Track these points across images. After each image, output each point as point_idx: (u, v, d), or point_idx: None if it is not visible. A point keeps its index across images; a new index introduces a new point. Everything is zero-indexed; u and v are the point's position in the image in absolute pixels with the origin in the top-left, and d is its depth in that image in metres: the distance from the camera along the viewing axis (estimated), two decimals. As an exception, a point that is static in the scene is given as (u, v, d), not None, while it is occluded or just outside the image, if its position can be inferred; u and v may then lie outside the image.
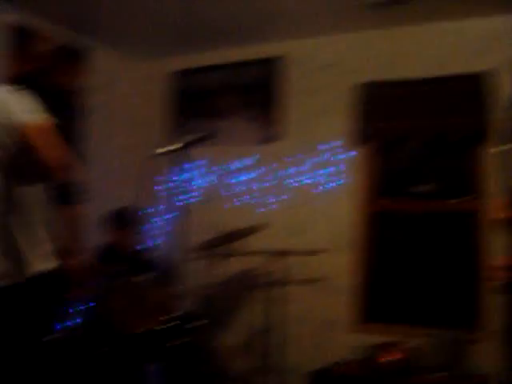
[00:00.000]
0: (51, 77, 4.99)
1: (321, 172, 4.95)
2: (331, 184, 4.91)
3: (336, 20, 4.74)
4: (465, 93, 4.46)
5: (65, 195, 2.39)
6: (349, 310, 4.79)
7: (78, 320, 4.02)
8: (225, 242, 4.55)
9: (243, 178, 5.23)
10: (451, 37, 4.63)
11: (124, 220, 4.68)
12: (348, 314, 4.79)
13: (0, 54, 4.61)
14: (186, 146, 2.56)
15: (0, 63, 4.60)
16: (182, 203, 2.33)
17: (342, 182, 4.88)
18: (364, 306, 4.80)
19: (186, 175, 5.23)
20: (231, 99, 5.42)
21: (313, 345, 4.84)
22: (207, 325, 4.34)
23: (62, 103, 5.12)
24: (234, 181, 5.28)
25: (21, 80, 4.47)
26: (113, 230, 4.64)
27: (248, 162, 5.24)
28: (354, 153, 4.87)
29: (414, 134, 4.61)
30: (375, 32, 4.86)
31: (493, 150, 4.20)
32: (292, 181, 5.05)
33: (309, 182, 4.99)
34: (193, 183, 5.37)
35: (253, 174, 5.20)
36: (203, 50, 5.47)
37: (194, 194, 5.37)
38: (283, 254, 4.52)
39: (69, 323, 4.12)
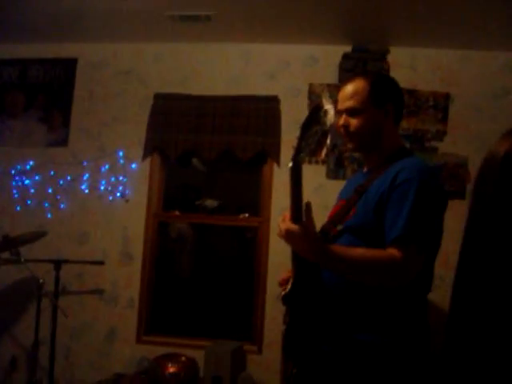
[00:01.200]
0: None
1: (106, 181, 4.80)
2: (117, 194, 4.78)
3: (135, 28, 4.66)
4: (255, 113, 4.63)
5: None
6: (131, 322, 4.70)
7: None
8: (0, 250, 4.25)
9: (26, 181, 4.91)
10: (245, 58, 4.81)
11: None
12: (130, 325, 4.69)
13: None
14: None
15: None
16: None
17: (127, 192, 4.78)
18: (146, 317, 4.75)
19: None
20: (19, 97, 5.08)
21: (93, 357, 4.69)
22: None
23: None
24: (14, 184, 4.92)
25: None
26: None
27: (30, 165, 4.92)
28: (142, 163, 4.79)
29: (203, 149, 4.65)
30: (173, 44, 4.87)
31: (281, 168, 4.42)
32: (76, 188, 4.83)
33: (93, 190, 4.81)
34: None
35: (36, 179, 4.90)
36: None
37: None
38: (63, 263, 4.33)
39: None
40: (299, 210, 2.04)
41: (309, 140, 2.04)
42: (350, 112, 2.28)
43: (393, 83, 2.39)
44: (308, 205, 2.04)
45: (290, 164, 2.04)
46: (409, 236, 2.01)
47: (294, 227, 2.02)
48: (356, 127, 2.28)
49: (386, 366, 2.05)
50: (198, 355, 4.35)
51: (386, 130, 2.28)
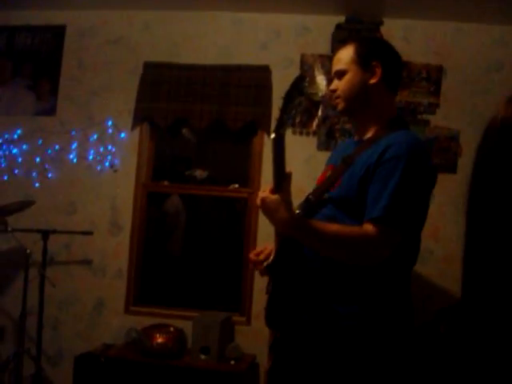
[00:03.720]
0: None
1: (95, 150, 4.74)
2: (105, 163, 4.73)
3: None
4: (246, 83, 4.58)
5: None
6: (120, 293, 4.69)
7: None
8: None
9: (13, 150, 4.85)
10: (236, 27, 4.73)
11: None
12: (119, 296, 4.68)
13: None
14: None
15: None
16: None
17: (116, 161, 4.72)
18: (135, 288, 4.74)
19: None
20: (6, 65, 4.99)
21: (82, 328, 4.68)
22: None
23: None
24: (1, 153, 4.85)
25: None
26: None
27: (19, 134, 4.85)
28: (131, 133, 4.73)
29: (193, 118, 4.61)
30: (164, 13, 4.78)
31: (266, 139, 4.39)
32: (64, 158, 4.77)
33: (82, 160, 4.75)
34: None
35: (23, 148, 4.83)
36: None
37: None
38: (51, 233, 4.31)
39: None
40: (280, 181, 2.02)
41: (292, 111, 2.01)
42: (337, 75, 2.26)
43: (382, 44, 2.35)
44: (288, 176, 2.02)
45: (273, 135, 2.01)
46: (388, 218, 2.00)
47: (269, 197, 2.00)
48: (341, 88, 2.25)
49: (364, 338, 2.05)
50: (186, 326, 4.35)
51: (376, 93, 2.23)
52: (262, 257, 2.27)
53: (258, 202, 2.06)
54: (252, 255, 2.33)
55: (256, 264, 2.30)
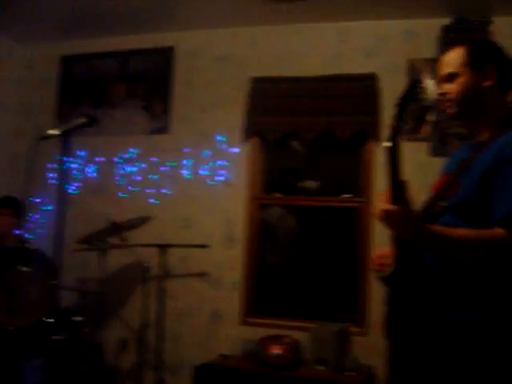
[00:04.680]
0: None
1: (208, 166, 4.89)
2: (219, 178, 4.86)
3: (229, 13, 4.71)
4: (353, 92, 4.57)
5: None
6: (235, 304, 4.77)
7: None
8: (109, 235, 4.43)
9: (129, 169, 5.08)
10: (340, 37, 4.74)
11: (3, 204, 4.43)
12: (234, 307, 4.77)
13: None
14: (67, 132, 2.41)
15: None
16: (65, 193, 2.21)
17: (229, 176, 4.84)
18: (250, 299, 4.80)
19: (71, 164, 5.03)
20: (120, 88, 5.25)
21: (200, 339, 4.80)
22: (88, 320, 4.18)
23: None
24: (120, 172, 5.11)
25: None
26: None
27: (135, 152, 5.09)
28: (242, 147, 4.84)
29: (302, 130, 4.64)
30: (268, 28, 4.88)
31: (379, 148, 4.33)
32: (179, 174, 4.95)
33: (196, 175, 4.91)
34: (78, 173, 5.16)
35: (139, 166, 5.05)
36: (95, 36, 5.27)
37: (78, 184, 5.16)
38: (168, 247, 4.45)
39: None
40: (397, 190, 1.99)
41: (406, 118, 1.98)
42: (447, 78, 2.21)
43: (494, 46, 2.28)
44: (404, 184, 1.99)
45: (387, 144, 1.98)
46: None
47: (392, 209, 1.97)
48: (453, 92, 2.18)
49: (482, 347, 1.99)
50: (302, 337, 4.37)
51: (489, 95, 2.17)
52: (384, 261, 2.24)
53: (379, 214, 2.04)
54: (376, 257, 2.31)
55: (377, 267, 2.28)
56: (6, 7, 4.80)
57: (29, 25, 5.20)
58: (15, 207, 4.47)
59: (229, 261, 4.79)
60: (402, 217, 1.96)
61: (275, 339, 4.34)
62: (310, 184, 4.82)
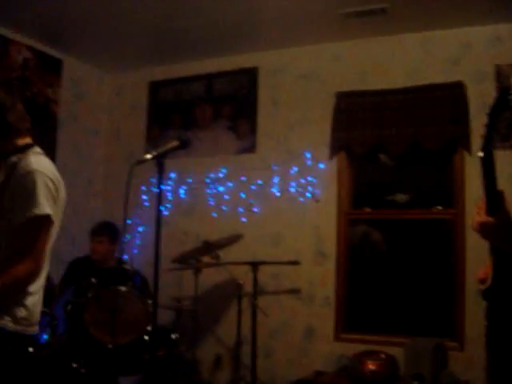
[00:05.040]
0: (26, 86, 4.97)
1: (296, 183, 4.92)
2: (307, 194, 4.88)
3: (311, 31, 4.76)
4: (440, 102, 4.50)
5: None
6: (328, 320, 4.75)
7: (54, 333, 3.94)
8: (201, 254, 4.52)
9: (219, 188, 5.18)
10: (424, 47, 4.69)
11: (101, 232, 4.62)
12: (327, 323, 4.75)
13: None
14: (161, 155, 2.49)
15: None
16: (158, 214, 2.29)
17: (317, 192, 4.85)
18: (343, 315, 4.77)
19: (161, 186, 5.17)
20: (207, 109, 5.39)
21: (293, 355, 4.81)
22: (183, 337, 4.27)
23: (37, 113, 5.10)
24: (209, 192, 5.23)
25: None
26: (91, 242, 4.62)
27: (224, 172, 5.19)
28: (329, 162, 4.84)
29: (389, 143, 4.61)
30: (350, 42, 4.89)
31: (473, 157, 4.23)
32: (267, 192, 5.00)
33: (285, 192, 4.95)
34: (169, 194, 5.32)
35: (228, 185, 5.15)
36: (180, 61, 5.46)
37: (170, 205, 5.31)
38: (260, 264, 4.47)
39: (43, 337, 4.04)
40: (493, 201, 1.94)
41: (498, 127, 1.94)
42: None
43: None
44: (501, 194, 1.94)
45: (480, 154, 1.95)
46: None
47: (489, 220, 1.93)
48: None
49: None
50: (397, 352, 4.30)
51: None
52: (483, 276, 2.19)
53: (475, 225, 2.00)
54: (482, 274, 2.26)
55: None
56: (95, 40, 5.08)
57: (116, 54, 5.47)
58: (112, 233, 4.65)
59: (320, 277, 4.79)
60: (499, 228, 1.92)
61: (370, 355, 4.30)
62: (400, 197, 4.75)
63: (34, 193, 2.14)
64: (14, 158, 2.26)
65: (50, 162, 2.31)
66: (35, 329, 2.23)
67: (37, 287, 2.22)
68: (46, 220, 2.18)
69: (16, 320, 2.13)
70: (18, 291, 2.15)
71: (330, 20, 4.52)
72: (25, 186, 2.16)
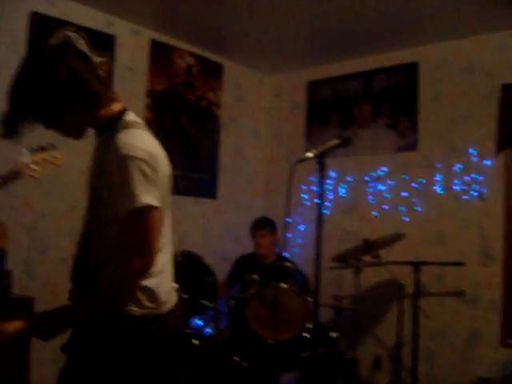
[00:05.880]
0: (190, 90, 5.25)
1: (460, 180, 4.74)
2: (472, 192, 4.68)
3: (473, 21, 4.55)
4: None
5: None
6: (494, 324, 4.53)
7: (217, 327, 4.09)
8: (362, 253, 4.49)
9: (379, 187, 5.13)
10: None
11: (262, 226, 4.78)
12: (493, 328, 4.53)
13: (141, 70, 4.89)
14: (322, 153, 2.51)
15: (142, 79, 4.89)
16: (318, 213, 2.29)
17: (483, 190, 4.64)
18: (510, 320, 4.52)
19: (322, 185, 5.20)
20: (366, 107, 5.35)
21: (455, 360, 4.64)
22: (343, 336, 4.27)
23: (201, 115, 5.36)
24: (370, 190, 5.19)
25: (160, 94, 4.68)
26: (254, 237, 4.80)
27: (384, 171, 5.14)
28: (496, 159, 4.61)
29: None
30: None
31: None
32: (430, 190, 4.88)
33: (448, 190, 4.80)
34: (329, 193, 5.34)
35: (389, 184, 5.08)
36: (337, 59, 5.48)
37: (330, 203, 5.34)
38: (422, 264, 4.35)
39: (207, 330, 4.22)
40: None
41: None
42: None
43: None
44: None
45: None
46: None
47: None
48: None
49: None
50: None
51: None
52: None
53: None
54: None
55: None
56: (254, 44, 5.27)
57: (274, 57, 5.61)
58: (272, 225, 4.80)
59: (486, 279, 4.57)
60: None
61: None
62: None
63: (129, 184, 1.96)
64: (106, 135, 2.11)
65: (142, 136, 2.09)
66: (164, 308, 2.15)
67: (156, 269, 2.10)
68: (147, 210, 1.99)
69: (140, 304, 2.07)
70: (133, 286, 2.06)
71: (495, 9, 4.28)
72: (118, 176, 1.99)
